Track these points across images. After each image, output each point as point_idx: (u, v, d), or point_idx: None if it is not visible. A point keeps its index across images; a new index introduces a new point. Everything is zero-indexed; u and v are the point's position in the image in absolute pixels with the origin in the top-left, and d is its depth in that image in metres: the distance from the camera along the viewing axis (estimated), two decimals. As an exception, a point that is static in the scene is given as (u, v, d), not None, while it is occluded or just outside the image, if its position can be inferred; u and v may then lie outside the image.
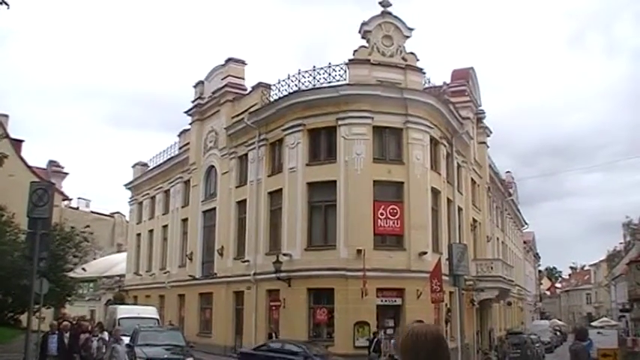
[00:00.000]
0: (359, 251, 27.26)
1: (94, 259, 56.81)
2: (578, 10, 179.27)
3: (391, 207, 28.63)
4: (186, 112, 41.02)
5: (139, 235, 50.33)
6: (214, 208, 37.24)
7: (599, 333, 30.89)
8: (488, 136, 44.87)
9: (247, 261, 32.52)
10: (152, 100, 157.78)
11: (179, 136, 44.00)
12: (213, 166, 37.92)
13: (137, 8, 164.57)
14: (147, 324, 28.39)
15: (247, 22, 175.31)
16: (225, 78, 36.62)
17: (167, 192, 45.23)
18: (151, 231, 47.77)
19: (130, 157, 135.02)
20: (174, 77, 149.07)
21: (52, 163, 50.42)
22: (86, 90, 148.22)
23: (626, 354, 27.26)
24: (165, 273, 43.32)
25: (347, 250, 27.84)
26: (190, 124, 41.10)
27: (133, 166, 52.82)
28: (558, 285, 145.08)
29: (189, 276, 38.57)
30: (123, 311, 31.38)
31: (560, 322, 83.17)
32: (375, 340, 25.49)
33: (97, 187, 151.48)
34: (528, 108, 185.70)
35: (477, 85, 42.47)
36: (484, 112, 43.47)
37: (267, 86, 33.54)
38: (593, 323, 68.99)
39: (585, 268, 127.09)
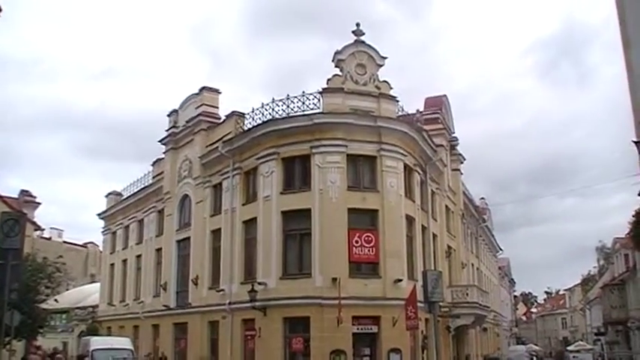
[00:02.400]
0: (334, 279, 27.21)
1: (67, 289, 56.06)
2: (549, 40, 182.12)
3: (366, 235, 28.65)
4: (160, 141, 40.84)
5: (112, 265, 49.75)
6: (189, 238, 36.97)
7: (575, 357, 31.13)
8: (462, 163, 45.17)
9: (222, 290, 32.28)
10: (128, 129, 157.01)
11: (153, 165, 43.74)
12: (187, 195, 37.72)
13: (113, 38, 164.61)
14: (121, 355, 28.11)
15: (222, 52, 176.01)
16: (199, 107, 36.56)
17: (141, 221, 44.90)
18: (124, 261, 47.29)
19: (106, 187, 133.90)
20: (151, 106, 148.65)
21: (24, 192, 49.78)
22: (61, 121, 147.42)
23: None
24: (139, 303, 42.84)
25: (322, 279, 27.76)
26: (164, 153, 40.90)
27: (107, 196, 52.36)
28: (534, 310, 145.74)
29: (164, 306, 38.17)
30: (96, 343, 30.99)
31: (536, 347, 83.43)
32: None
33: (72, 217, 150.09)
34: (503, 135, 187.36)
35: (450, 113, 42.81)
36: (457, 140, 43.77)
37: (241, 115, 33.51)
38: (569, 347, 69.57)
39: (560, 293, 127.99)
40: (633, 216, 8.17)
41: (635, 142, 8.97)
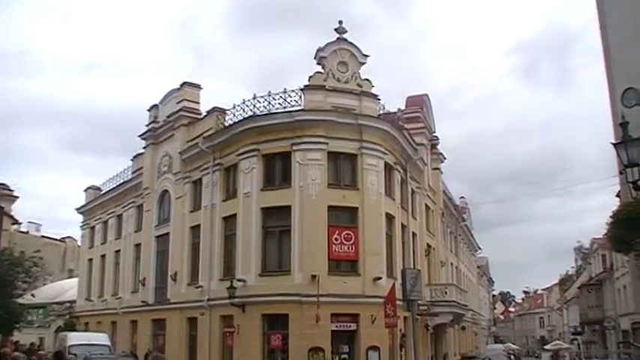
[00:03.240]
0: (313, 277, 27.20)
1: (44, 284, 55.80)
2: (531, 42, 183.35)
3: (346, 232, 28.67)
4: (140, 136, 40.60)
5: (90, 260, 49.45)
6: (168, 233, 36.78)
7: (551, 356, 31.33)
8: (442, 162, 45.38)
9: (201, 286, 32.16)
10: (112, 124, 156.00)
11: (132, 160, 43.44)
12: (167, 191, 37.54)
13: (98, 32, 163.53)
14: (98, 351, 27.92)
15: (205, 48, 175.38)
16: (180, 102, 36.35)
17: (120, 216, 44.64)
18: (103, 256, 47.01)
19: (88, 181, 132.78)
20: (134, 101, 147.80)
21: (1, 186, 49.36)
22: (44, 115, 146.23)
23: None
24: (117, 299, 42.61)
25: (301, 276, 27.75)
26: (144, 148, 40.66)
27: (86, 190, 52.02)
28: (512, 309, 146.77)
29: (142, 302, 37.98)
30: (73, 338, 30.79)
31: (514, 346, 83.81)
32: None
33: (53, 211, 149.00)
34: (484, 135, 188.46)
35: (432, 112, 42.94)
36: (438, 139, 44.00)
37: (222, 111, 33.37)
38: (546, 346, 69.96)
39: (538, 292, 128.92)
40: (610, 217, 8.26)
41: (614, 145, 9.00)
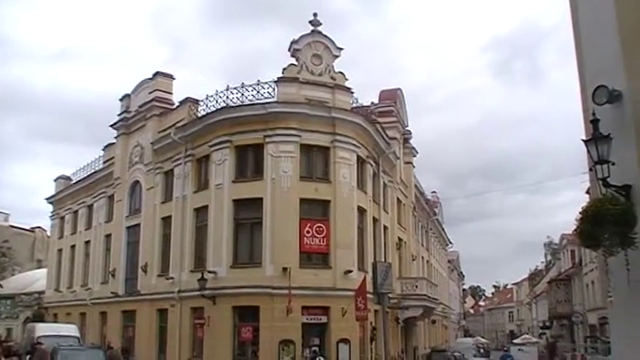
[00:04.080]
0: (285, 269, 27.22)
1: (13, 275, 55.27)
2: (505, 39, 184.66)
3: (317, 225, 28.69)
4: (111, 126, 40.25)
5: (60, 250, 48.99)
6: (139, 224, 36.55)
7: (520, 350, 31.64)
8: (415, 156, 45.56)
9: (172, 278, 32.01)
10: (83, 113, 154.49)
11: (104, 149, 43.08)
12: (138, 182, 37.27)
13: (69, 19, 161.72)
14: (67, 342, 27.67)
15: (180, 38, 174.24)
16: (152, 92, 36.08)
17: (90, 207, 44.23)
18: (72, 246, 46.56)
19: (59, 171, 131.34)
20: (107, 90, 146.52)
21: (-31, 175, 48.81)
22: (13, 103, 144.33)
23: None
24: (87, 290, 42.28)
25: (273, 268, 27.72)
26: (116, 137, 40.33)
27: (56, 180, 51.51)
28: (482, 303, 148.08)
29: (112, 293, 37.73)
30: (42, 329, 30.51)
31: (483, 340, 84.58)
32: (317, 359, 25.37)
33: (23, 201, 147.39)
34: (457, 130, 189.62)
35: (405, 106, 43.06)
36: (411, 133, 44.14)
37: (195, 101, 33.19)
38: (515, 340, 70.70)
39: (508, 287, 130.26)
40: (580, 213, 8.30)
41: (585, 141, 9.07)
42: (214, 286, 28.51)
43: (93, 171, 44.02)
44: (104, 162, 42.55)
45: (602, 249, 8.67)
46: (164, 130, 34.51)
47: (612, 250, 8.54)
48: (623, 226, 8.39)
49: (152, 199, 35.20)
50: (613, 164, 8.69)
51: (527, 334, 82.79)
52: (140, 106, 37.04)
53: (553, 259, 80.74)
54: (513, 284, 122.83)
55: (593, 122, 8.99)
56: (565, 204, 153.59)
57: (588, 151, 8.98)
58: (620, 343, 9.37)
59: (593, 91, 9.18)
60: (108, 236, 40.57)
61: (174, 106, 35.17)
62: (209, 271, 28.85)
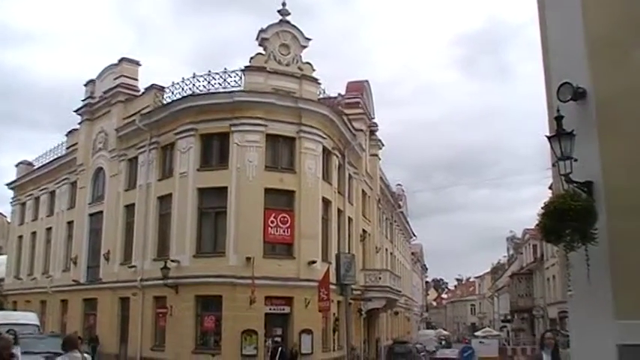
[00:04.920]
0: (248, 259, 27.15)
1: (-30, 261, 54.28)
2: (472, 35, 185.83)
3: (282, 215, 28.67)
4: (75, 112, 39.73)
5: (20, 237, 48.27)
6: (101, 212, 36.18)
7: (481, 342, 31.91)
8: (381, 148, 45.69)
9: (134, 266, 31.79)
10: (48, 98, 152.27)
11: (67, 135, 42.51)
12: (101, 168, 36.86)
13: (34, 2, 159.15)
14: (26, 331, 27.28)
15: (147, 24, 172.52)
16: (117, 78, 35.66)
17: (52, 193, 43.66)
18: (33, 233, 45.92)
19: (22, 156, 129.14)
20: (72, 75, 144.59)
21: None
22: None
23: (505, 362, 28.31)
24: (47, 277, 41.72)
25: (236, 258, 27.65)
26: (79, 123, 39.80)
27: (17, 165, 50.72)
28: (444, 296, 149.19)
29: (74, 281, 37.32)
30: (0, 317, 30.03)
31: (445, 332, 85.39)
32: (280, 349, 25.32)
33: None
34: (424, 124, 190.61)
35: (371, 99, 43.16)
36: (377, 125, 44.25)
37: (161, 89, 32.89)
38: (476, 333, 71.34)
39: (470, 280, 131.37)
40: (542, 208, 8.38)
41: (548, 138, 9.13)
42: (177, 275, 28.36)
43: (56, 157, 43.40)
44: (67, 148, 41.99)
45: (563, 244, 8.73)
46: (129, 116, 34.15)
47: (573, 245, 8.60)
48: (584, 222, 8.46)
49: (115, 186, 34.86)
50: (576, 161, 8.76)
51: (489, 327, 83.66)
52: (105, 92, 36.62)
53: (515, 253, 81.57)
54: (476, 277, 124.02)
55: (557, 119, 9.04)
56: (528, 199, 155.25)
57: (552, 148, 9.03)
58: (579, 337, 9.47)
59: (558, 88, 9.23)
60: (70, 223, 40.09)
61: (140, 93, 34.84)
62: (172, 260, 28.69)
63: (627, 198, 8.75)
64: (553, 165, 9.28)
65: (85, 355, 9.88)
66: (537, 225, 9.70)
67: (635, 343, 7.64)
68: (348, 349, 26.97)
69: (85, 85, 39.33)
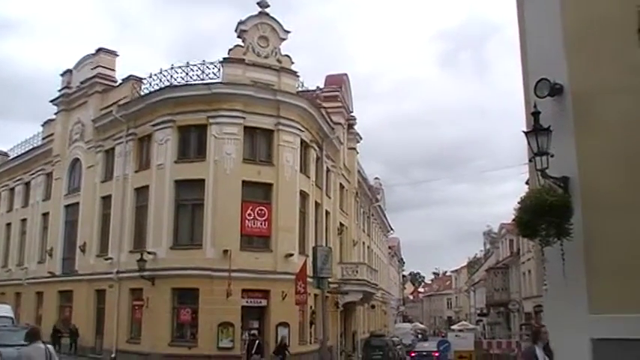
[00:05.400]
0: (225, 251, 27.16)
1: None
2: (450, 31, 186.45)
3: (259, 208, 28.67)
4: (51, 102, 39.35)
5: (-5, 228, 47.80)
6: (77, 203, 35.92)
7: (457, 336, 32.05)
8: (359, 142, 45.76)
9: (110, 258, 31.63)
10: (24, 88, 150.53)
11: (43, 125, 42.11)
12: (78, 159, 36.57)
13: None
14: (0, 323, 27.05)
15: (128, 15, 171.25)
16: (95, 68, 35.40)
17: (28, 184, 43.22)
18: (8, 224, 45.43)
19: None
20: (50, 65, 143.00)
21: None
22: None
23: (481, 356, 28.47)
24: (22, 269, 41.32)
25: (213, 250, 27.64)
26: (56, 114, 39.41)
27: (-9, 156, 50.17)
28: (421, 290, 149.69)
29: (49, 273, 37.04)
30: (-27, 310, 29.71)
31: (421, 326, 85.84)
32: (257, 342, 25.29)
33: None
34: (403, 119, 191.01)
35: (350, 92, 43.14)
36: (355, 119, 44.27)
37: (139, 80, 32.67)
38: (452, 327, 71.80)
39: (447, 274, 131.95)
40: (518, 202, 8.45)
41: (525, 133, 9.19)
42: (154, 267, 28.25)
43: (31, 147, 42.96)
44: (43, 138, 41.59)
45: (539, 238, 8.79)
46: (106, 107, 33.93)
47: (548, 240, 8.66)
48: (559, 217, 8.52)
49: (92, 177, 34.62)
50: (552, 156, 8.82)
51: (465, 320, 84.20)
52: (82, 82, 36.33)
53: (492, 247, 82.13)
54: (452, 271, 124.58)
55: (534, 114, 9.10)
56: (506, 194, 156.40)
57: (528, 143, 9.10)
58: (554, 331, 9.55)
59: (535, 84, 9.30)
60: (45, 215, 39.75)
61: (117, 84, 34.63)
62: (149, 252, 28.59)
63: (602, 193, 8.83)
64: (530, 160, 9.35)
65: (48, 346, 9.96)
66: (513, 219, 9.77)
67: (608, 337, 7.72)
68: (324, 343, 26.98)
69: (62, 75, 38.96)
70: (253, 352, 24.80)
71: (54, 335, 31.90)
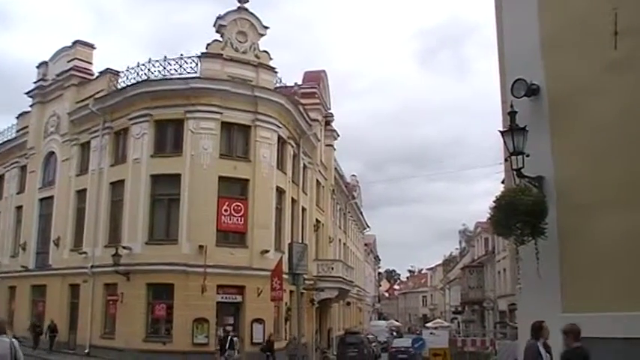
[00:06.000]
0: (201, 247, 27.10)
1: None
2: (430, 30, 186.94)
3: (235, 204, 28.63)
4: (27, 94, 38.90)
5: (-33, 221, 47.20)
6: (52, 197, 35.54)
7: (431, 333, 32.13)
8: (336, 139, 45.77)
9: (85, 253, 31.36)
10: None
11: (18, 118, 41.57)
12: (53, 153, 36.20)
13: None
14: (-29, 317, 26.79)
15: (106, 8, 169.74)
16: (71, 61, 35.04)
17: (1, 177, 42.61)
18: (-19, 217, 44.94)
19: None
20: (27, 57, 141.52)
21: None
22: None
23: (455, 353, 28.57)
24: (-5, 263, 40.91)
25: (189, 246, 27.55)
26: (31, 106, 38.94)
27: (-36, 148, 49.53)
28: (397, 287, 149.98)
29: (22, 267, 36.57)
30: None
31: (396, 323, 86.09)
32: (230, 338, 25.21)
33: None
34: (382, 116, 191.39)
35: (328, 89, 43.16)
36: (333, 116, 44.30)
37: (116, 73, 32.47)
38: (427, 324, 72.04)
39: (423, 272, 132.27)
40: (494, 201, 8.52)
41: (502, 132, 9.26)
42: (129, 262, 28.10)
43: (5, 140, 42.45)
44: (17, 131, 41.04)
45: (514, 237, 8.87)
46: (82, 100, 33.62)
47: (523, 238, 8.74)
48: (534, 216, 8.59)
49: (67, 171, 34.31)
50: (528, 156, 8.90)
51: (440, 318, 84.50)
52: (58, 75, 35.96)
53: (467, 246, 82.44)
54: (428, 269, 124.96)
55: (510, 114, 9.18)
56: (482, 193, 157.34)
57: (505, 142, 9.17)
58: (527, 329, 9.63)
59: (512, 84, 9.39)
60: (19, 208, 39.27)
61: (94, 77, 34.34)
62: (124, 247, 28.43)
63: (577, 193, 8.92)
64: (506, 160, 9.42)
65: (14, 340, 9.91)
66: (489, 218, 9.83)
67: (582, 336, 7.78)
68: (293, 339, 27.05)
69: (38, 67, 38.51)
70: (227, 347, 24.76)
71: (33, 331, 31.61)
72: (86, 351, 29.73)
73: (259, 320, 28.07)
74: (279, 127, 30.77)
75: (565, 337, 7.78)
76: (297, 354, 26.60)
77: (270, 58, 31.25)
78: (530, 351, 8.42)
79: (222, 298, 27.94)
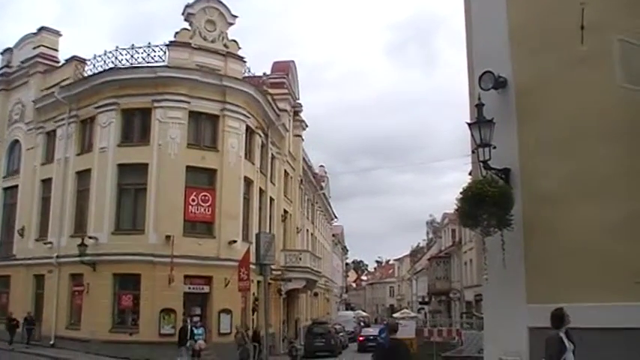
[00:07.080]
0: (168, 237, 27.00)
1: None
2: (399, 23, 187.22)
3: (203, 194, 28.56)
4: (-10, 81, 38.30)
5: None
6: (16, 186, 35.02)
7: (398, 323, 32.27)
8: (304, 129, 45.79)
9: (50, 243, 31.01)
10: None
11: (-19, 106, 40.99)
12: (17, 141, 35.66)
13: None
14: None
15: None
16: (36, 47, 34.50)
17: (-36, 166, 42.08)
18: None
19: None
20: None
21: None
22: None
23: (422, 343, 28.78)
24: (-43, 253, 40.27)
25: (156, 236, 27.43)
26: (-5, 93, 38.40)
27: None
28: (364, 277, 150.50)
29: (-15, 257, 36.15)
30: None
31: (364, 313, 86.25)
32: (190, 327, 25.14)
33: None
34: (351, 108, 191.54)
35: (297, 79, 43.14)
36: (301, 106, 44.29)
37: (82, 61, 32.11)
38: (394, 315, 72.45)
39: (390, 263, 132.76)
40: (460, 193, 8.55)
41: (469, 125, 9.30)
42: (95, 252, 27.83)
43: (-32, 128, 41.75)
44: (-19, 119, 40.45)
45: (480, 229, 8.90)
46: (48, 88, 33.16)
47: (489, 230, 8.79)
48: (500, 208, 8.64)
49: (32, 160, 33.85)
50: (494, 148, 8.94)
51: (407, 308, 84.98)
52: (23, 62, 35.38)
53: (434, 237, 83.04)
54: (395, 260, 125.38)
55: (477, 106, 9.21)
56: (450, 184, 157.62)
57: (472, 134, 9.20)
58: (493, 319, 9.72)
59: (480, 77, 9.41)
60: (-18, 197, 38.70)
61: (60, 64, 33.88)
62: (90, 237, 28.17)
63: (542, 186, 8.99)
64: (473, 151, 9.45)
65: None
66: (456, 210, 9.87)
67: (545, 326, 7.84)
68: (267, 329, 27.02)
69: (2, 54, 37.90)
70: (188, 337, 24.71)
71: (9, 324, 30.88)
72: (51, 342, 29.37)
73: (227, 311, 28.06)
74: (248, 117, 30.70)
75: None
76: (244, 344, 26.54)
77: (239, 48, 31.17)
78: (551, 342, 7.74)
79: (189, 288, 27.87)
